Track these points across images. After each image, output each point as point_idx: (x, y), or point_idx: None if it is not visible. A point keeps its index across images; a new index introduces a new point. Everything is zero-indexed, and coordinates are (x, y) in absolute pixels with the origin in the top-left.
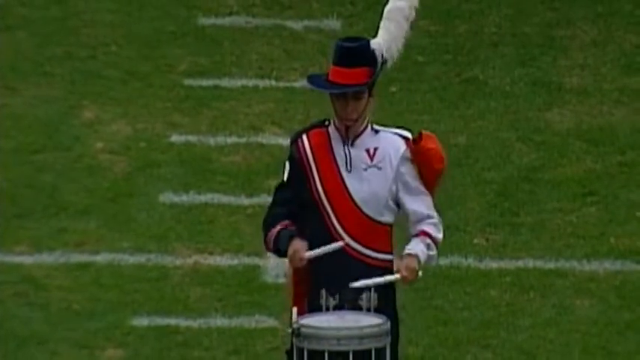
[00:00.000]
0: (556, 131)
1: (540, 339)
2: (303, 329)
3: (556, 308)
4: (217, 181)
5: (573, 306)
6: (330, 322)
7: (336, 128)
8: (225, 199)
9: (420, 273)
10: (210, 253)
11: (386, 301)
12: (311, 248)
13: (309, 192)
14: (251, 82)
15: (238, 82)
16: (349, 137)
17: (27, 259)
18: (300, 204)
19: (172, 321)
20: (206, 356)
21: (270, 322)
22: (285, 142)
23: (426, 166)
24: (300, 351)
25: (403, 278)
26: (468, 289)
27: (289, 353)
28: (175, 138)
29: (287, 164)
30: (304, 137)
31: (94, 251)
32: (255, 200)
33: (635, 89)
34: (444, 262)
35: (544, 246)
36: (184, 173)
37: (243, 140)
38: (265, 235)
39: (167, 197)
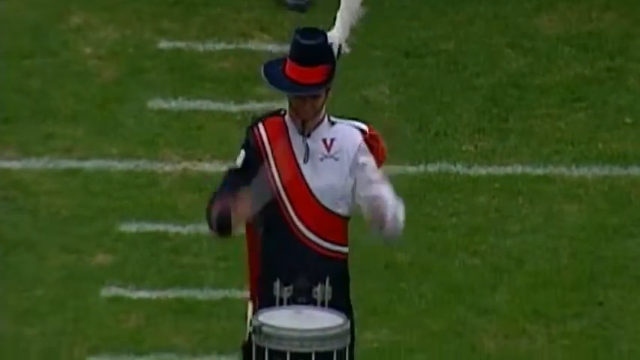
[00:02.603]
0: (545, 37)
1: (529, 244)
2: (264, 328)
3: (544, 214)
4: (206, 87)
5: (562, 211)
6: (290, 321)
7: (293, 119)
8: (214, 105)
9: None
10: (200, 160)
11: (340, 294)
12: (267, 240)
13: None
14: None
15: None
16: (306, 130)
17: (15, 165)
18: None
19: (161, 227)
20: (195, 262)
21: None
22: (275, 48)
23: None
24: (261, 350)
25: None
26: (457, 196)
27: (246, 349)
28: (164, 44)
29: (242, 152)
30: (260, 126)
31: (83, 157)
32: (244, 107)
33: None
34: (432, 168)
35: (533, 152)
36: (173, 79)
37: (232, 47)
38: (208, 215)
39: (156, 103)
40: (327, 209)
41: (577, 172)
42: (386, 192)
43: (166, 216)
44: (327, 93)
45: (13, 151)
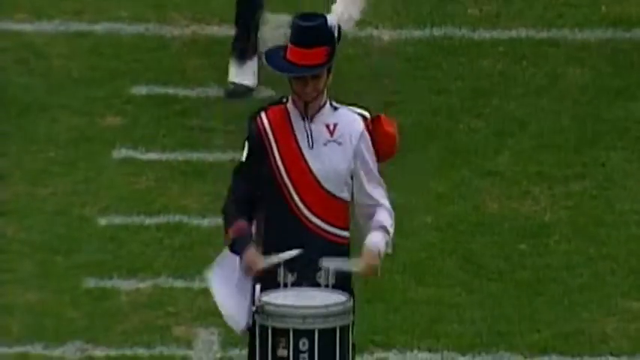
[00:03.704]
0: None
1: (532, 107)
2: (267, 307)
3: (548, 77)
4: None
5: (565, 74)
6: (293, 300)
7: (295, 105)
8: None
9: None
10: (208, 24)
11: (343, 278)
12: (271, 225)
13: (268, 168)
14: None
15: None
16: (308, 113)
17: (27, 27)
18: (260, 181)
19: (171, 90)
20: (204, 125)
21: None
22: None
23: (380, 147)
24: (264, 328)
25: (364, 272)
26: (462, 59)
27: (251, 330)
28: None
29: (246, 143)
30: (263, 115)
31: (93, 20)
32: None
33: None
34: (438, 32)
35: (537, 15)
36: None
37: None
38: (225, 228)
39: None
40: (330, 193)
41: (580, 35)
42: (378, 236)
43: (175, 79)
44: (328, 75)
45: (24, 14)
